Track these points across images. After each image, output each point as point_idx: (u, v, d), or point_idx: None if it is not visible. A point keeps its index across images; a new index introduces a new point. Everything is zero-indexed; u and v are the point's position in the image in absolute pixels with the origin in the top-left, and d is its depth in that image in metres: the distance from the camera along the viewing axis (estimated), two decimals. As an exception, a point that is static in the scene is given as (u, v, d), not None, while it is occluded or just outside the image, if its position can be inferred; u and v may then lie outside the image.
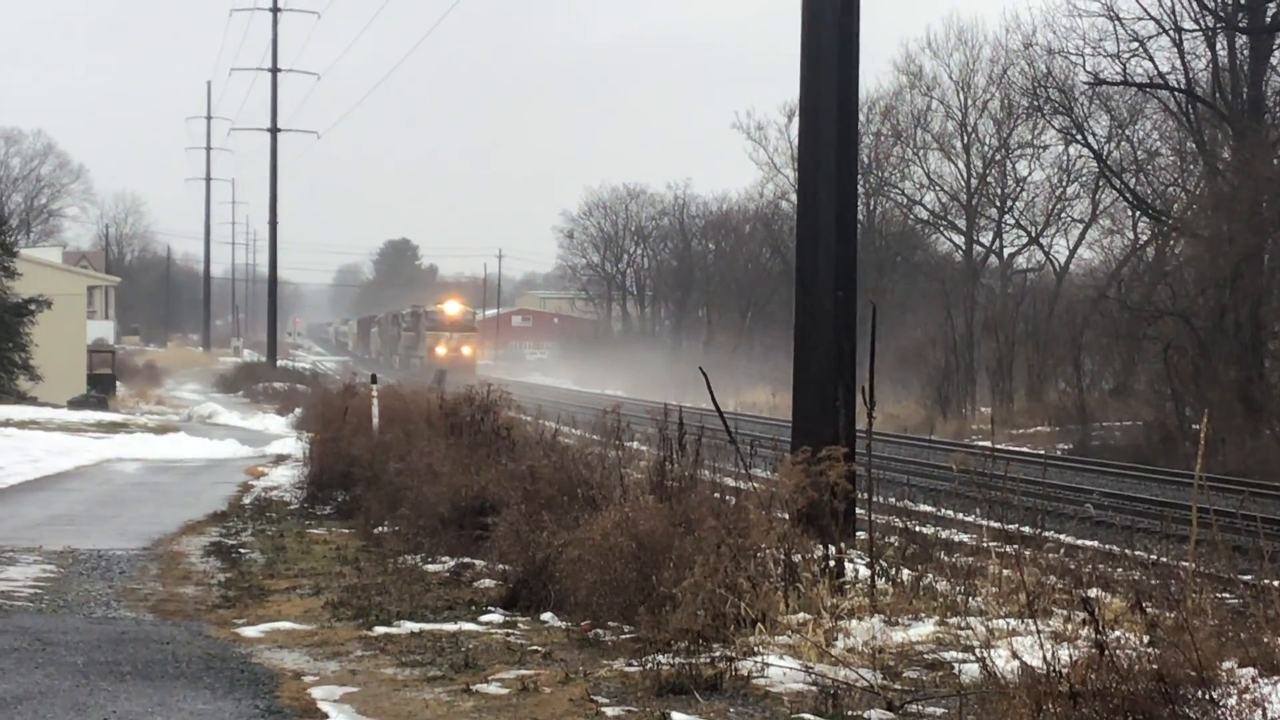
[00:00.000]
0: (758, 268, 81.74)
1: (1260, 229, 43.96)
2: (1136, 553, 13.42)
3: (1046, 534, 14.01)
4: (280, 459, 35.87)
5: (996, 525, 14.58)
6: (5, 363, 56.32)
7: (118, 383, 72.32)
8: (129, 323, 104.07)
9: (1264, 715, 7.60)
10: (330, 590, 15.62)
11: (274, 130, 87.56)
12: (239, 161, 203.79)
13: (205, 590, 16.15)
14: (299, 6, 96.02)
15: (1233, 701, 7.84)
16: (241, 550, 19.33)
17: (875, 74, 66.31)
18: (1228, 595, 10.04)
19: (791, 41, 17.19)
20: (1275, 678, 8.02)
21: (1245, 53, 48.35)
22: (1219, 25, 48.76)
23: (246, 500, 26.41)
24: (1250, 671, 8.17)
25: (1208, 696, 7.90)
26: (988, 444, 31.73)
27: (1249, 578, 10.64)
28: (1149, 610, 9.14)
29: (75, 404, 59.68)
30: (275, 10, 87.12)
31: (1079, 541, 14.93)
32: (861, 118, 28.98)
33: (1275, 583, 10.49)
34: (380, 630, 13.26)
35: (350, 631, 13.33)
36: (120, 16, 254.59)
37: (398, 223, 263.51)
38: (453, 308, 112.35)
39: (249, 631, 13.41)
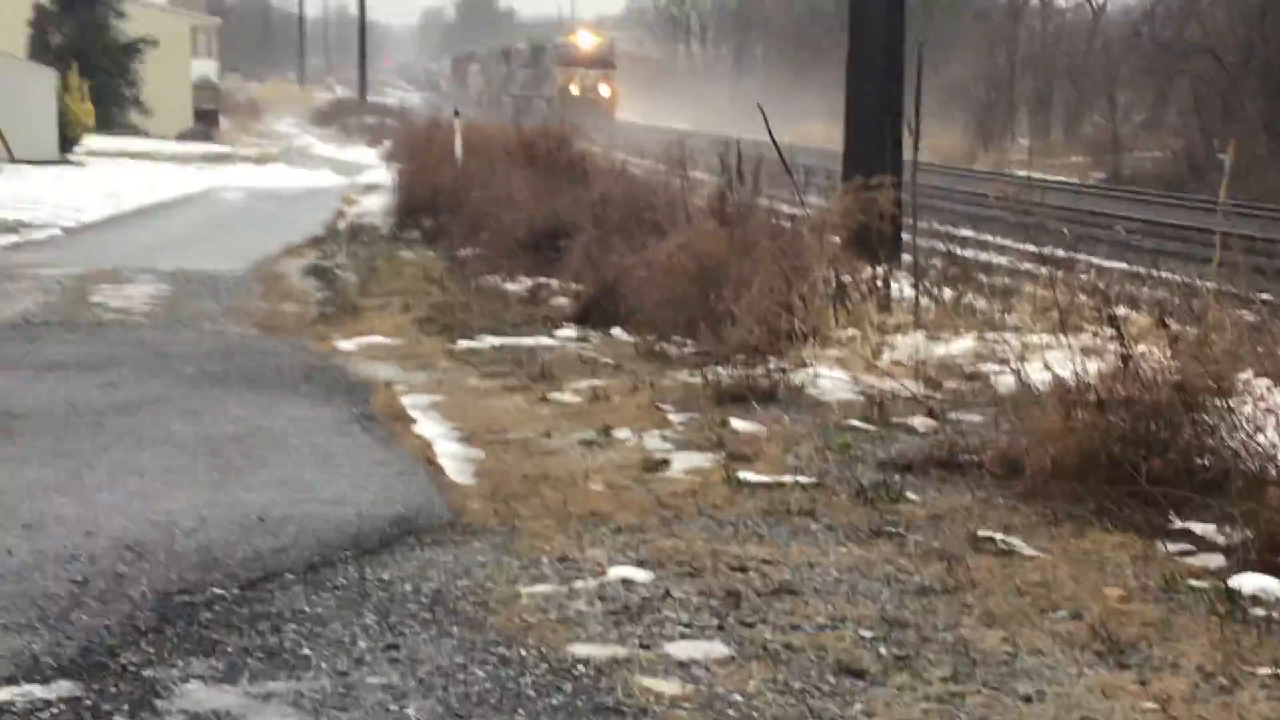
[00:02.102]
0: (812, 14, 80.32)
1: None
2: (1162, 273, 13.33)
3: (1078, 257, 13.90)
4: (371, 188, 35.82)
5: (1032, 248, 14.50)
6: (118, 98, 56.21)
7: (221, 117, 72.15)
8: (230, 61, 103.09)
9: (1278, 420, 7.60)
10: (418, 308, 15.70)
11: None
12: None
13: (304, 307, 16.28)
14: None
15: (1248, 409, 7.84)
16: (337, 271, 19.44)
17: None
18: (1246, 313, 9.94)
19: None
20: (1286, 386, 8.00)
21: None
22: None
23: (340, 226, 26.49)
24: (1265, 382, 8.15)
25: (1225, 404, 7.90)
26: (1025, 174, 31.49)
27: (1267, 296, 10.55)
28: (1171, 326, 9.09)
29: (182, 137, 59.76)
30: None
31: (1109, 264, 14.81)
32: None
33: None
34: (464, 344, 13.36)
35: (436, 345, 13.43)
36: None
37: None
38: (587, 40, 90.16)
39: (344, 345, 13.54)
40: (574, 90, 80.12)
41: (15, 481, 8.14)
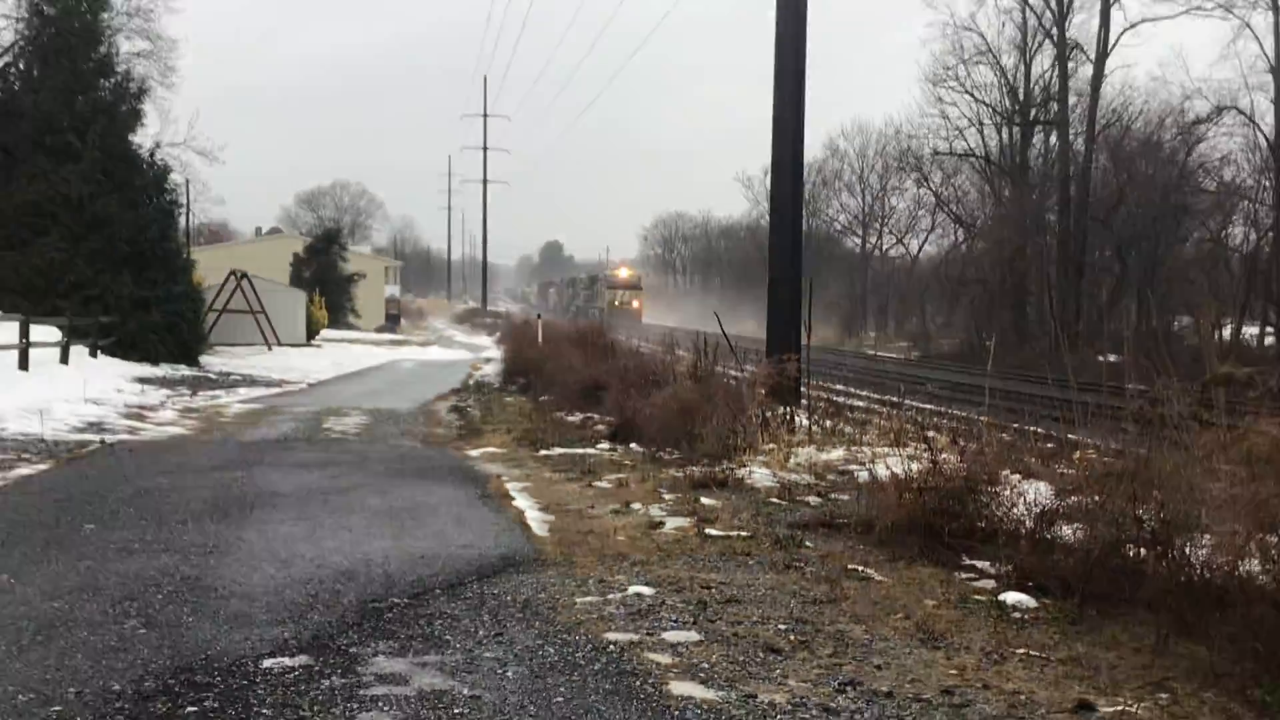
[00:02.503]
0: (748, 256, 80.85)
1: (1023, 235, 43.44)
2: (954, 411, 13.32)
3: (906, 401, 13.90)
4: (489, 360, 36.00)
5: (877, 396, 14.52)
6: (342, 307, 56.69)
7: (400, 319, 72.68)
8: (407, 284, 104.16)
9: (1024, 499, 7.54)
10: (516, 431, 15.63)
11: (484, 181, 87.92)
12: (464, 192, 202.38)
13: (448, 430, 16.26)
14: (498, 112, 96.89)
15: (1007, 492, 7.80)
16: (468, 409, 19.43)
17: (810, 149, 65.92)
18: (1005, 435, 9.93)
19: (766, 129, 17.06)
20: (1030, 480, 7.94)
21: (1018, 137, 47.67)
22: (1002, 122, 48.09)
23: (470, 382, 26.55)
24: (1017, 476, 8.10)
25: (993, 490, 7.86)
26: (872, 352, 31.49)
27: (1015, 425, 10.55)
28: (960, 443, 9.07)
29: (379, 330, 60.14)
30: (485, 115, 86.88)
31: (924, 405, 14.80)
32: (804, 173, 28.63)
33: (1032, 429, 10.43)
34: (543, 452, 13.29)
35: (527, 453, 13.37)
36: (392, 93, 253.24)
37: (555, 217, 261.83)
38: (624, 272, 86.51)
39: (472, 453, 13.49)
40: (616, 304, 76.70)
41: (276, 534, 8.09)
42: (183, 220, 36.42)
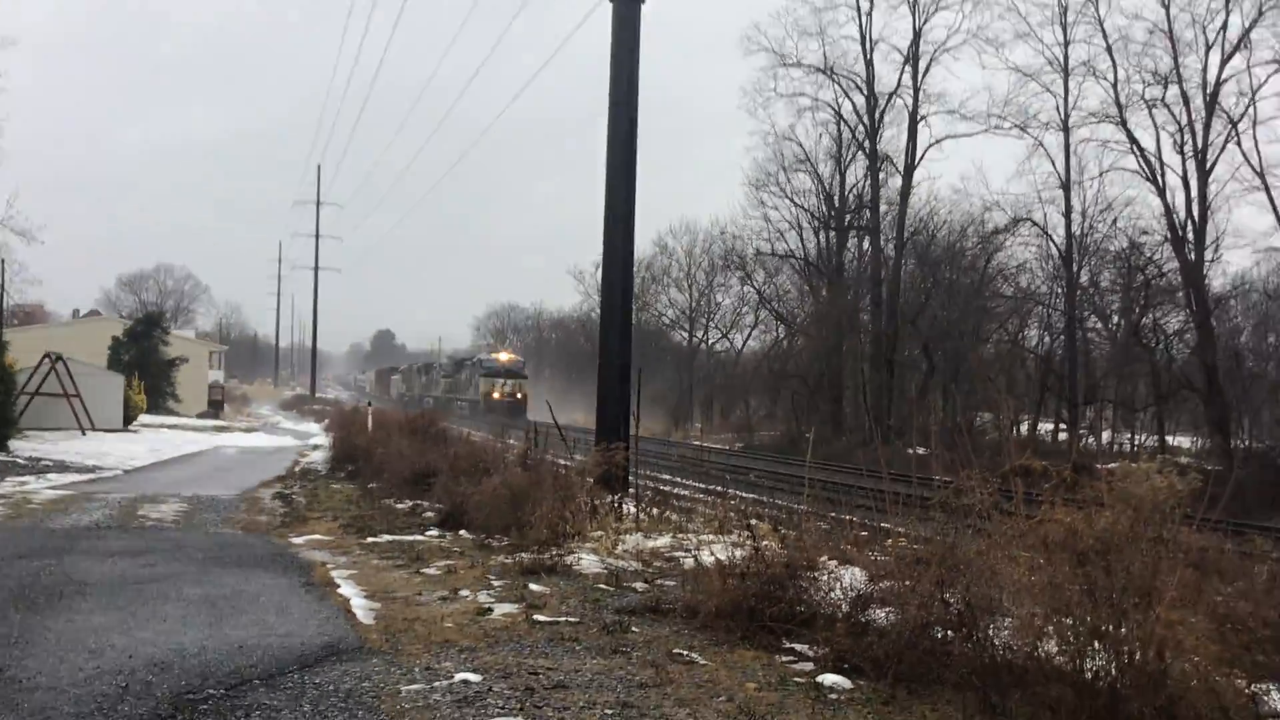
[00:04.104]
0: (579, 348, 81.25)
1: (839, 333, 44.98)
2: (775, 500, 13.57)
3: (729, 489, 14.10)
4: (316, 447, 34.99)
5: (702, 485, 14.70)
6: (162, 392, 54.59)
7: (224, 404, 70.25)
8: (232, 370, 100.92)
9: (840, 584, 7.71)
10: (343, 518, 15.26)
11: (315, 269, 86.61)
12: (294, 278, 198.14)
13: (272, 517, 15.70)
14: (331, 200, 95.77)
15: (825, 577, 7.96)
16: (293, 496, 18.83)
17: (640, 246, 67.07)
18: (823, 523, 10.16)
19: (599, 224, 17.33)
20: (846, 565, 8.14)
21: (834, 240, 49.52)
22: (820, 226, 49.95)
23: (296, 469, 25.73)
24: (834, 562, 8.29)
25: (812, 575, 8.01)
26: (698, 443, 31.86)
27: (834, 514, 10.81)
28: (781, 530, 9.25)
29: (201, 415, 57.97)
30: (318, 203, 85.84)
31: (746, 494, 15.04)
32: (634, 268, 29.09)
33: (848, 517, 10.70)
34: (370, 539, 12.98)
35: (354, 540, 13.03)
36: (224, 180, 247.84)
37: (386, 305, 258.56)
38: (503, 356, 72.62)
39: (296, 540, 13.06)
40: (495, 396, 65.02)
41: (85, 624, 7.65)
42: (-4, 300, 34.64)
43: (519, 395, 65.27)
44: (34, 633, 7.31)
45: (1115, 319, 42.25)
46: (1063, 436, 39.02)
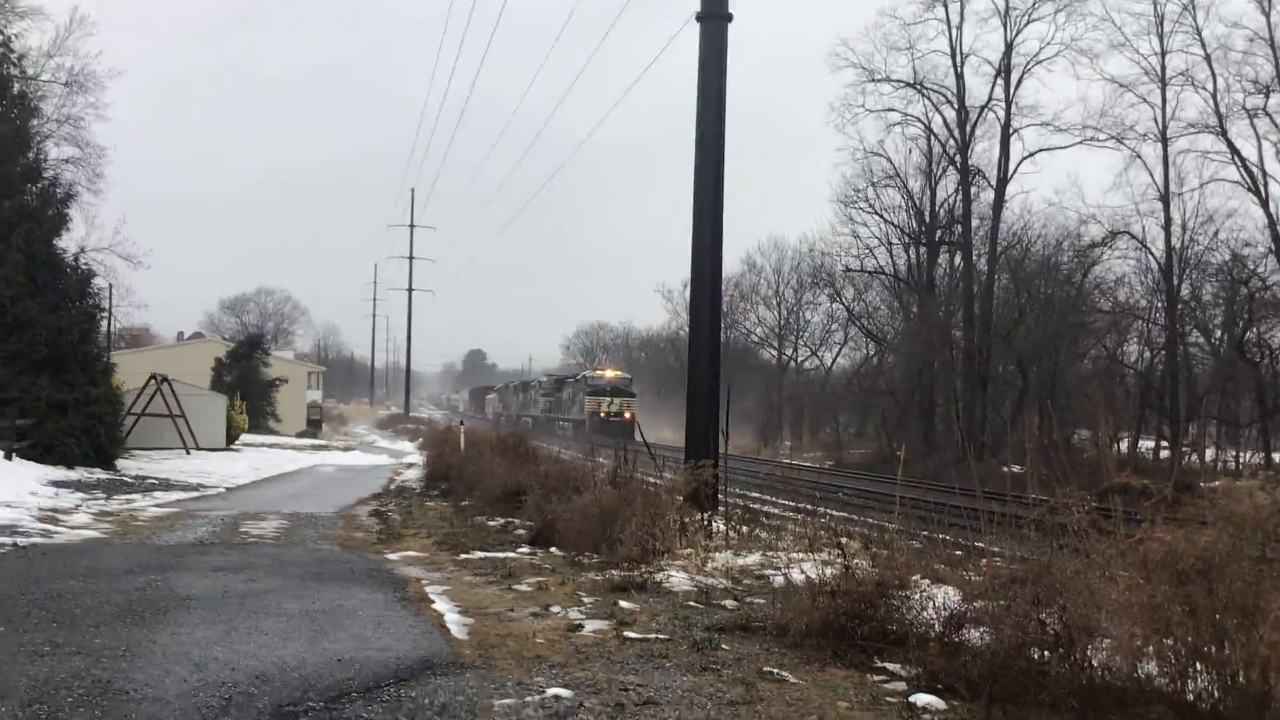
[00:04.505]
0: (667, 366, 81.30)
1: (931, 350, 44.43)
2: (866, 518, 13.44)
3: (820, 508, 14.00)
4: (410, 465, 35.54)
5: (791, 503, 14.63)
6: (262, 412, 55.90)
7: (322, 424, 71.70)
8: (330, 390, 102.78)
9: (933, 603, 7.63)
10: (436, 534, 15.49)
11: (409, 290, 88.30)
12: (389, 300, 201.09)
13: (368, 534, 15.99)
14: (424, 223, 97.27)
15: (917, 596, 7.88)
16: (388, 513, 19.16)
17: (728, 263, 67.11)
18: (915, 542, 10.06)
19: (689, 242, 17.38)
20: (939, 584, 8.04)
21: (924, 256, 49.00)
22: (910, 242, 49.47)
23: (391, 487, 26.15)
24: (926, 581, 8.20)
25: (904, 594, 7.94)
26: (787, 461, 31.70)
27: (926, 532, 10.68)
28: (872, 548, 9.17)
29: (300, 434, 59.26)
30: (411, 226, 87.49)
31: (836, 512, 14.92)
32: (722, 286, 29.06)
33: (940, 536, 10.56)
34: (463, 556, 13.15)
35: (447, 557, 13.22)
36: (323, 206, 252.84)
37: (478, 326, 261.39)
38: (609, 373, 67.07)
39: (392, 556, 13.28)
40: (603, 413, 59.53)
41: (189, 637, 7.88)
42: (105, 324, 35.78)
43: (627, 414, 59.71)
44: (140, 646, 7.54)
45: (1218, 333, 41.09)
46: (1164, 454, 38.01)
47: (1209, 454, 39.13)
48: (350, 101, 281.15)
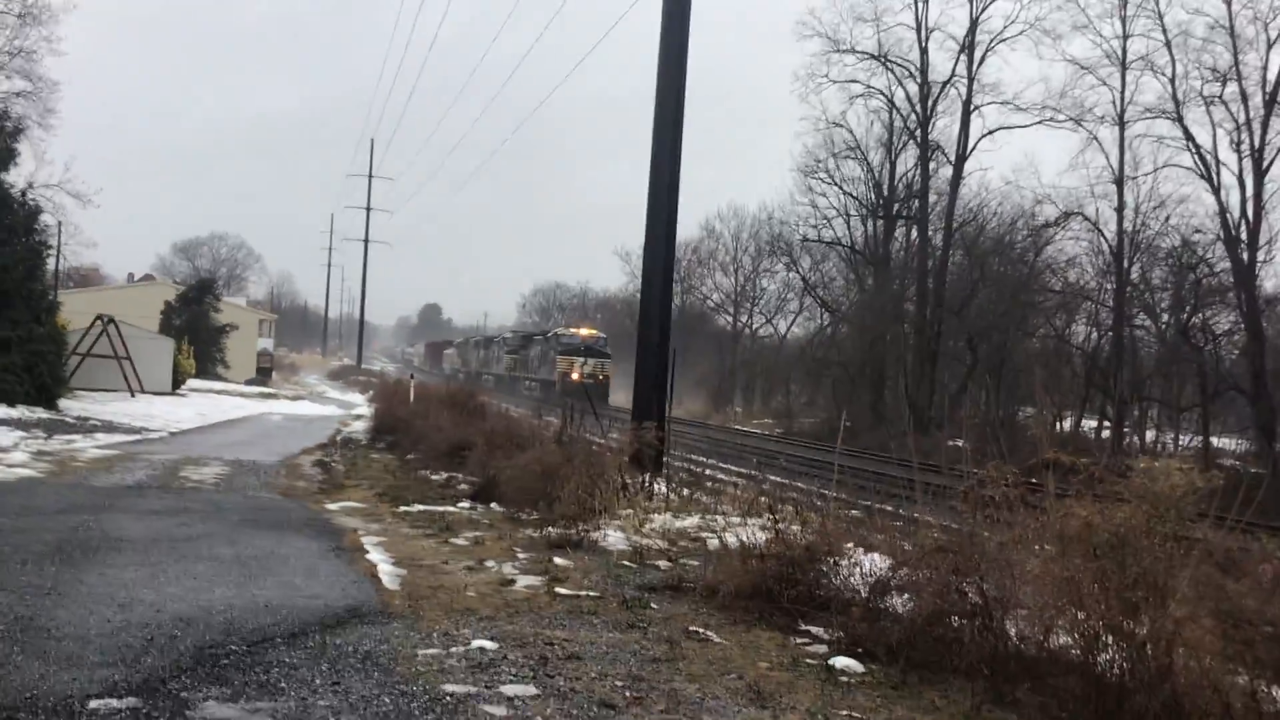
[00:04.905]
0: (623, 328, 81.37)
1: (884, 322, 44.73)
2: (807, 485, 13.58)
3: (763, 474, 14.15)
4: (359, 416, 35.28)
5: (737, 468, 14.75)
6: (211, 358, 55.33)
7: (272, 372, 71.10)
8: (281, 339, 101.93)
9: (860, 569, 7.74)
10: (378, 487, 15.48)
11: (365, 241, 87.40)
12: (345, 250, 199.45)
13: (310, 484, 15.93)
14: (383, 174, 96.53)
15: (845, 563, 7.99)
16: (332, 464, 19.09)
17: (687, 228, 67.14)
18: (854, 510, 10.19)
19: (642, 208, 17.33)
20: (869, 552, 8.15)
21: (882, 229, 49.21)
22: (868, 214, 49.67)
23: (338, 438, 25.99)
24: (858, 549, 8.31)
25: (832, 560, 8.05)
26: (738, 427, 31.85)
27: (866, 502, 10.81)
28: (803, 514, 9.28)
29: (249, 382, 58.73)
30: (370, 177, 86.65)
31: (779, 479, 15.07)
32: (678, 252, 29.12)
33: (877, 505, 10.69)
34: (403, 509, 13.15)
35: (387, 508, 13.22)
36: (286, 149, 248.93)
37: (434, 280, 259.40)
38: (584, 330, 61.97)
39: (331, 506, 13.26)
40: (574, 376, 54.22)
41: (117, 578, 7.84)
42: (52, 262, 35.18)
43: (601, 376, 55.65)
44: (67, 585, 7.50)
45: (1164, 317, 41.67)
46: (1106, 434, 38.61)
47: (1150, 436, 39.82)
48: (315, 50, 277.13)
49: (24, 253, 26.99)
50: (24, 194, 28.08)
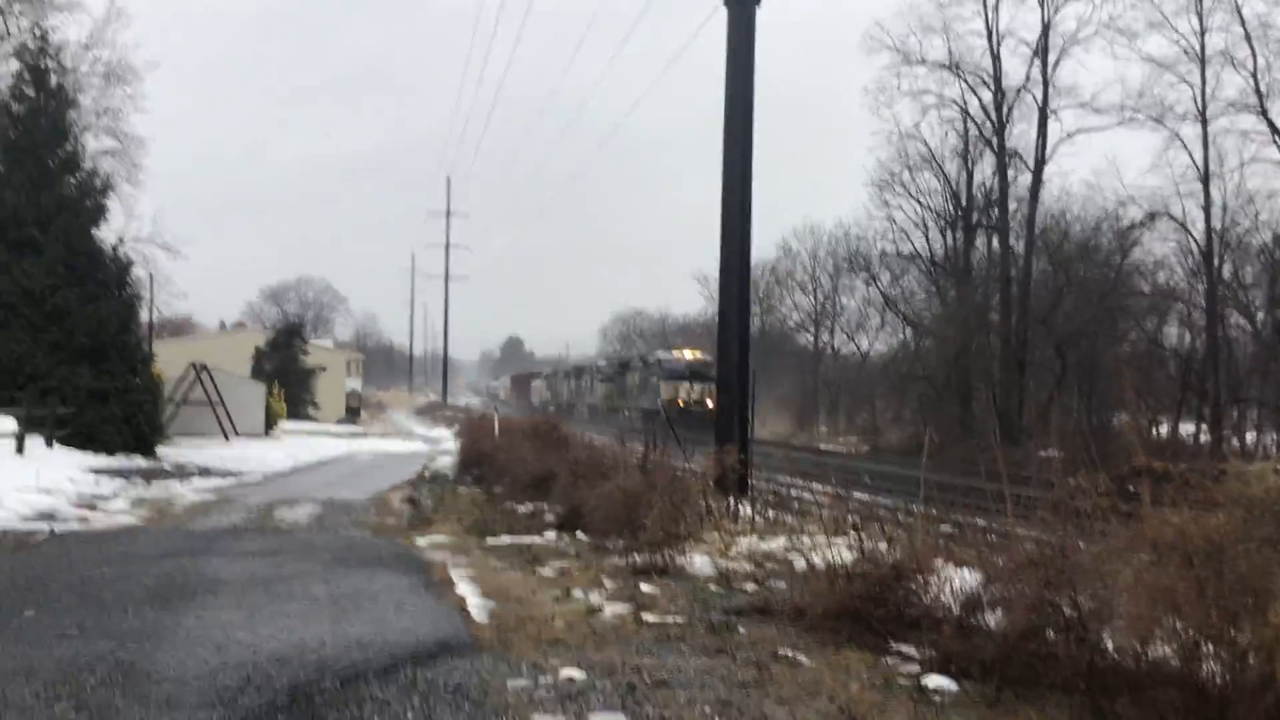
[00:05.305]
0: (706, 352, 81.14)
1: (968, 334, 44.12)
2: (895, 502, 13.41)
3: (850, 492, 13.98)
4: (445, 452, 35.68)
5: (820, 487, 14.62)
6: (301, 400, 56.47)
7: (361, 411, 72.26)
8: (369, 378, 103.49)
9: (950, 586, 7.63)
10: (465, 520, 15.62)
11: (446, 278, 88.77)
12: (427, 288, 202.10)
13: (399, 520, 16.14)
14: (460, 210, 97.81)
15: (934, 580, 7.88)
16: (420, 499, 19.31)
17: (763, 249, 66.57)
18: (944, 525, 10.05)
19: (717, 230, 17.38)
20: (958, 567, 8.02)
21: (961, 240, 48.64)
22: (946, 225, 49.14)
23: (426, 474, 26.28)
24: (948, 565, 8.19)
25: (923, 579, 7.95)
26: (824, 446, 31.60)
27: (956, 517, 10.65)
28: (889, 532, 9.19)
29: (339, 421, 59.76)
30: (448, 214, 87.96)
31: (866, 497, 14.89)
32: (755, 273, 29.08)
33: (973, 520, 10.53)
34: (490, 541, 13.27)
35: (474, 542, 13.33)
36: (367, 191, 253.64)
37: (515, 314, 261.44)
38: (690, 354, 57.73)
39: (420, 541, 13.40)
40: (682, 401, 51.45)
41: (214, 620, 8.03)
42: (145, 314, 36.31)
43: (709, 402, 47.13)
44: (165, 628, 7.69)
45: (1260, 315, 40.53)
46: (1205, 438, 37.60)
47: (1250, 437, 38.68)
48: (390, 93, 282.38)
49: (117, 306, 27.83)
50: (115, 249, 28.96)
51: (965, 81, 45.46)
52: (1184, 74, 39.39)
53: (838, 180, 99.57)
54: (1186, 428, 39.66)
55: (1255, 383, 39.46)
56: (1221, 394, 38.29)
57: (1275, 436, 37.81)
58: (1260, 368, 39.16)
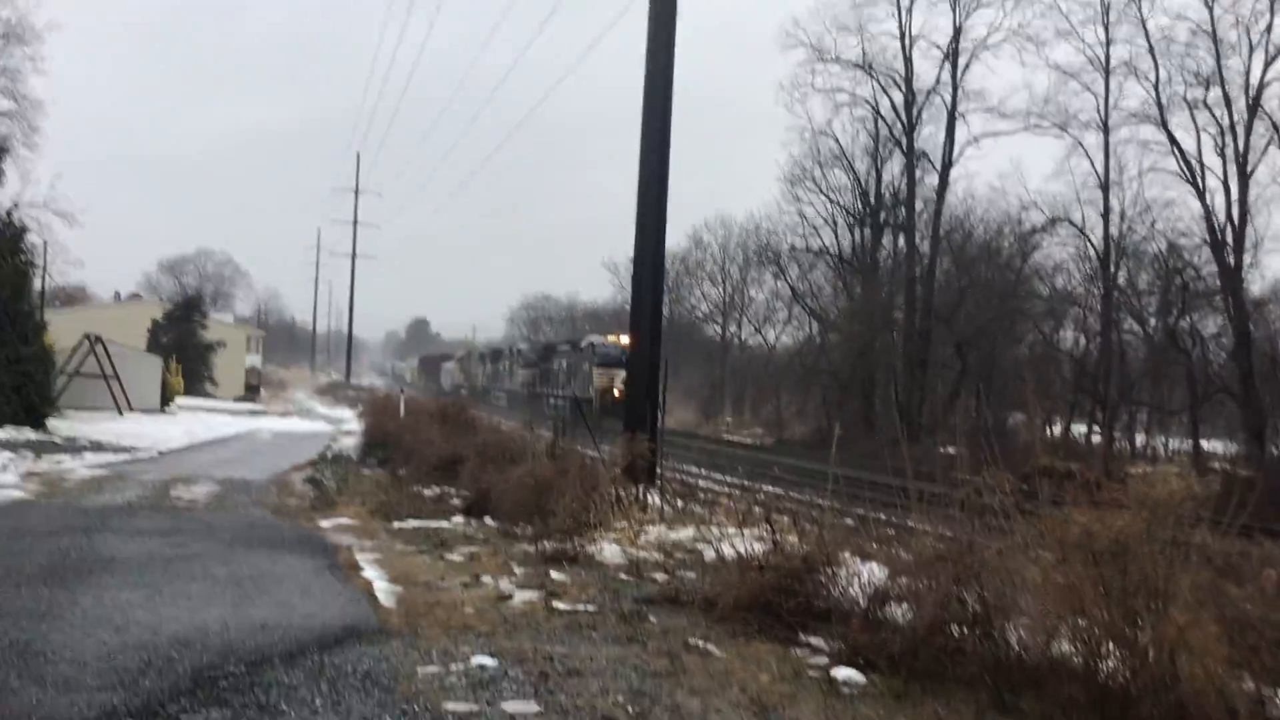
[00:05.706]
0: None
1: (872, 331, 44.81)
2: (801, 495, 13.55)
3: (756, 484, 14.09)
4: (348, 432, 35.13)
5: (728, 478, 14.74)
6: (199, 375, 55.28)
7: (261, 389, 70.88)
8: (269, 355, 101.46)
9: (859, 580, 7.72)
10: (370, 503, 15.40)
11: (353, 255, 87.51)
12: (332, 265, 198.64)
13: (301, 501, 15.87)
14: (369, 188, 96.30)
15: (843, 573, 7.97)
16: (323, 481, 18.99)
17: (675, 240, 66.84)
18: (848, 519, 10.16)
19: (629, 220, 17.35)
20: (866, 561, 8.13)
21: (869, 237, 49.33)
22: (855, 222, 49.82)
23: (328, 454, 25.86)
24: (855, 558, 8.28)
25: (830, 570, 8.03)
26: (729, 437, 31.83)
27: (860, 510, 10.78)
28: (800, 525, 9.25)
29: (237, 399, 58.61)
30: (356, 191, 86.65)
31: (772, 489, 15.02)
32: (667, 263, 29.11)
33: (871, 514, 10.68)
34: (396, 525, 13.11)
35: (379, 525, 13.16)
36: (272, 165, 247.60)
37: (421, 295, 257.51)
38: (627, 339, 26.30)
39: (324, 524, 13.19)
40: (616, 391, 44.41)
41: (112, 600, 7.79)
42: (39, 282, 35.05)
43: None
44: (62, 608, 7.45)
45: (1152, 322, 41.84)
46: (1097, 439, 38.69)
47: (1140, 440, 39.93)
48: (301, 66, 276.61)
49: (9, 273, 26.88)
50: (9, 214, 28.00)
51: (878, 82, 46.17)
52: (1089, 83, 40.55)
53: (751, 175, 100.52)
54: (1078, 428, 40.81)
55: (1146, 386, 40.74)
56: (1113, 396, 39.44)
57: (1163, 438, 39.08)
58: (1151, 372, 40.42)
